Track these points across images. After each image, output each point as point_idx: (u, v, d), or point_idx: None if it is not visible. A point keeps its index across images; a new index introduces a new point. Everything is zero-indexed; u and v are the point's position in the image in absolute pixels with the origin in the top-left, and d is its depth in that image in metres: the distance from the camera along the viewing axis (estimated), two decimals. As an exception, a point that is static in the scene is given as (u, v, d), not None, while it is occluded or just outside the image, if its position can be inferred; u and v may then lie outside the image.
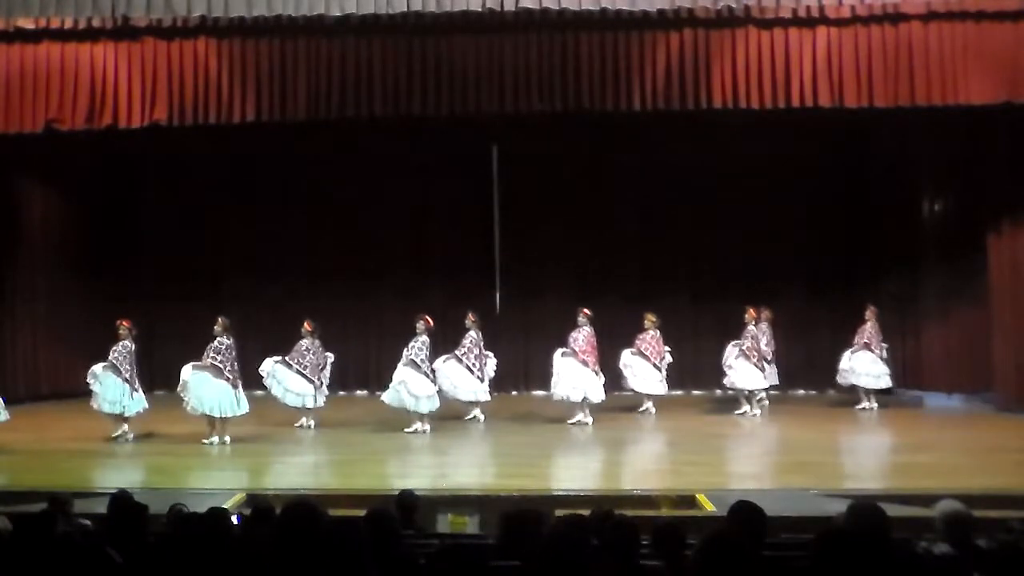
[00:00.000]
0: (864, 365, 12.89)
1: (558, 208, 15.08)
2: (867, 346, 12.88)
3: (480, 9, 10.85)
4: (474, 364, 12.10)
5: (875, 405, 12.94)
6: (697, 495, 8.29)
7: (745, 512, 4.68)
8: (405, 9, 10.84)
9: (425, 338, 11.59)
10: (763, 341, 13.03)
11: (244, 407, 11.05)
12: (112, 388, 11.09)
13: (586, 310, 12.17)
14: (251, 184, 15.13)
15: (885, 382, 13.07)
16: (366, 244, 15.22)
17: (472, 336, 12.18)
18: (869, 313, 12.99)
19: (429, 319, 11.68)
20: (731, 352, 12.60)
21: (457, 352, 12.07)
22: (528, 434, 11.59)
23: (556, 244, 15.10)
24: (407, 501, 6.13)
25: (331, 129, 13.23)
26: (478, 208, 15.27)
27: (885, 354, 13.00)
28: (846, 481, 9.17)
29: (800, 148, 14.37)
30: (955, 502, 4.91)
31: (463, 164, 15.25)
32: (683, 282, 14.78)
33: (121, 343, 11.32)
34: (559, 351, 12.09)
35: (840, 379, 13.09)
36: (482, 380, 12.16)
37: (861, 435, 11.73)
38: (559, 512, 7.45)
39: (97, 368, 11.15)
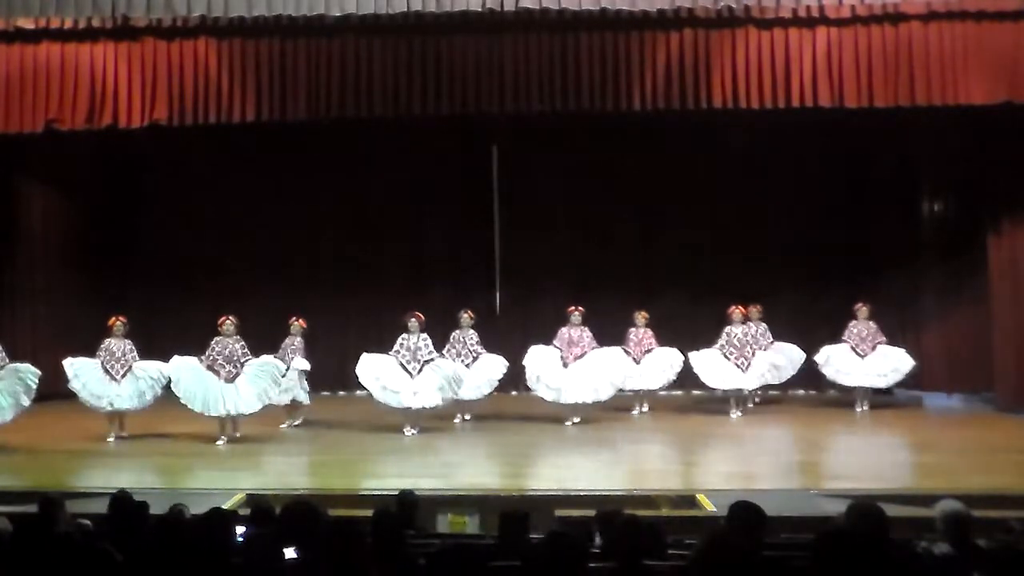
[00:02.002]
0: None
1: (558, 208, 15.07)
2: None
3: (480, 9, 10.84)
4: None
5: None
6: (697, 495, 8.29)
7: (745, 512, 4.69)
8: (405, 9, 10.83)
9: (426, 335, 11.61)
10: (764, 338, 12.99)
11: None
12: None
13: (581, 307, 12.23)
14: (251, 184, 15.12)
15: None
16: (366, 244, 15.21)
17: (475, 335, 12.27)
18: (867, 310, 12.89)
19: (421, 315, 11.68)
20: (712, 354, 12.58)
21: (479, 349, 12.15)
22: (528, 434, 11.58)
23: (556, 244, 15.09)
24: (407, 501, 6.13)
25: (331, 129, 13.22)
26: (478, 208, 15.26)
27: None
28: (846, 481, 9.17)
29: (800, 148, 14.37)
30: (955, 502, 4.92)
31: (463, 164, 15.24)
32: (682, 282, 14.77)
33: (125, 342, 11.42)
34: (598, 350, 12.06)
35: (884, 382, 12.86)
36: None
37: (861, 435, 11.71)
38: (559, 512, 7.51)
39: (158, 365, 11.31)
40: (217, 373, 11.00)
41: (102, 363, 11.36)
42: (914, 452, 10.45)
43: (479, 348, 12.28)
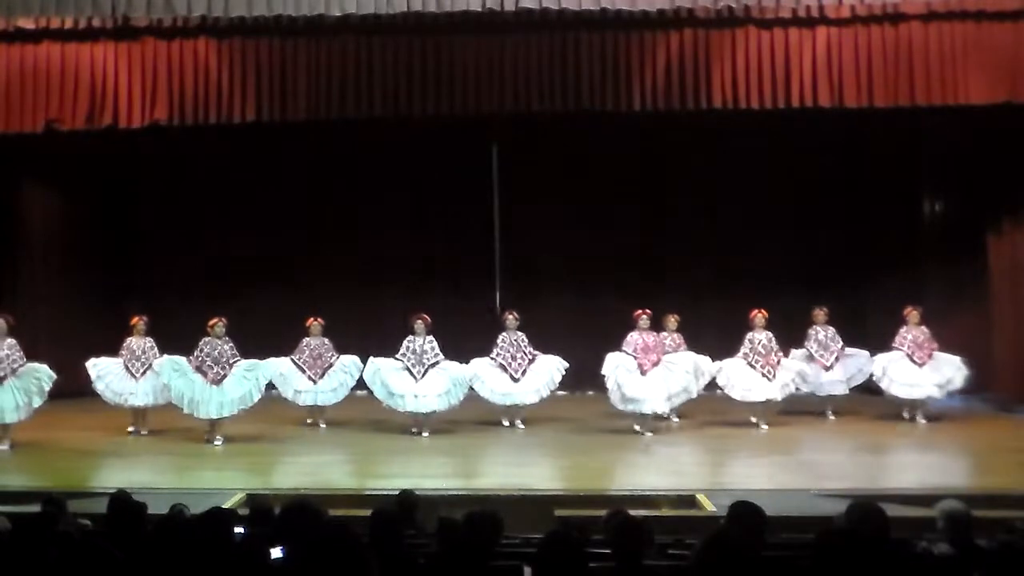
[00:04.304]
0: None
1: (558, 208, 15.06)
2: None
3: (480, 9, 10.84)
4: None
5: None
6: (697, 495, 8.29)
7: (745, 512, 4.68)
8: (405, 9, 10.83)
9: (432, 337, 11.53)
10: (835, 342, 12.32)
11: None
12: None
13: (649, 310, 11.69)
14: (251, 184, 15.10)
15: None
16: (366, 244, 15.19)
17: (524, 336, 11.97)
18: (918, 314, 12.06)
19: (427, 317, 11.66)
20: (736, 363, 11.78)
21: (533, 351, 11.84)
22: (529, 434, 11.56)
23: (556, 244, 15.08)
24: (407, 501, 6.13)
25: (331, 129, 13.23)
26: (478, 208, 15.25)
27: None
28: (846, 481, 9.17)
29: (800, 148, 14.35)
30: (955, 502, 4.92)
31: (463, 164, 15.24)
32: (683, 282, 14.75)
33: (146, 340, 11.55)
34: (674, 355, 11.57)
35: (942, 392, 11.87)
36: None
37: (861, 435, 11.68)
38: (559, 512, 7.51)
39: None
40: (205, 374, 10.96)
41: (124, 362, 11.50)
42: (914, 452, 10.45)
43: (533, 350, 11.84)
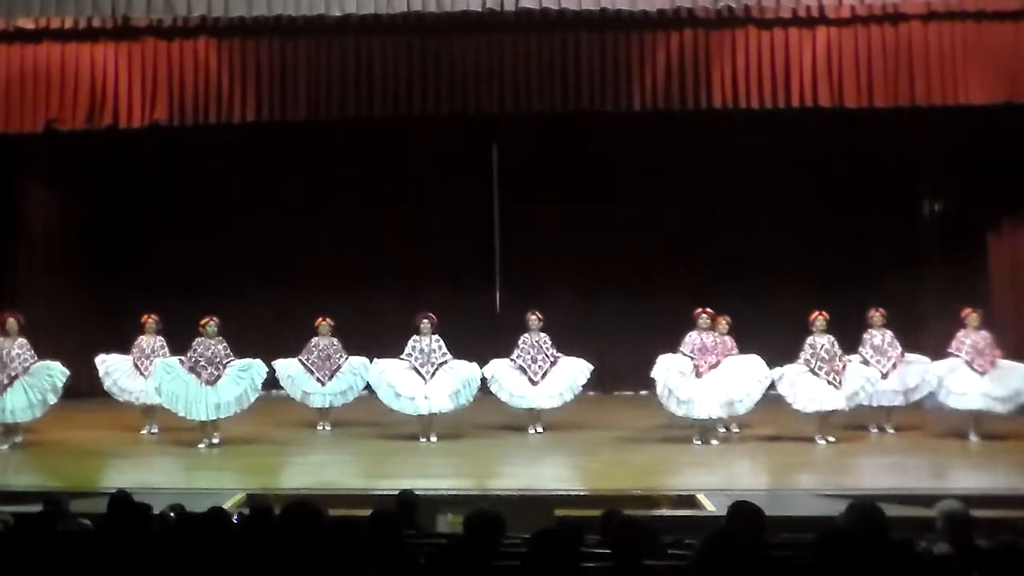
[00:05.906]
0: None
1: (558, 208, 15.06)
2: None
3: (480, 9, 10.86)
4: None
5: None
6: (697, 495, 8.29)
7: (745, 512, 4.68)
8: (405, 9, 10.85)
9: (439, 336, 11.33)
10: (893, 348, 11.33)
11: None
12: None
13: (710, 310, 11.05)
14: (251, 184, 15.10)
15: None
16: (366, 244, 15.20)
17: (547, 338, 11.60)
18: (978, 317, 10.96)
19: (433, 317, 11.55)
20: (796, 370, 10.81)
21: (556, 353, 11.51)
22: (531, 436, 11.54)
23: (556, 244, 15.08)
24: (407, 501, 6.13)
25: (331, 129, 13.23)
26: (478, 208, 15.26)
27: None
28: (846, 481, 9.16)
29: (800, 148, 14.35)
30: (955, 502, 4.92)
31: (463, 164, 15.24)
32: (683, 282, 14.75)
33: (156, 338, 11.58)
34: (734, 357, 10.84)
35: (1006, 407, 10.65)
36: None
37: (860, 435, 11.69)
38: (559, 512, 7.51)
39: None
40: (199, 375, 10.85)
41: (134, 360, 11.54)
42: (913, 452, 10.44)
43: (556, 352, 11.47)
